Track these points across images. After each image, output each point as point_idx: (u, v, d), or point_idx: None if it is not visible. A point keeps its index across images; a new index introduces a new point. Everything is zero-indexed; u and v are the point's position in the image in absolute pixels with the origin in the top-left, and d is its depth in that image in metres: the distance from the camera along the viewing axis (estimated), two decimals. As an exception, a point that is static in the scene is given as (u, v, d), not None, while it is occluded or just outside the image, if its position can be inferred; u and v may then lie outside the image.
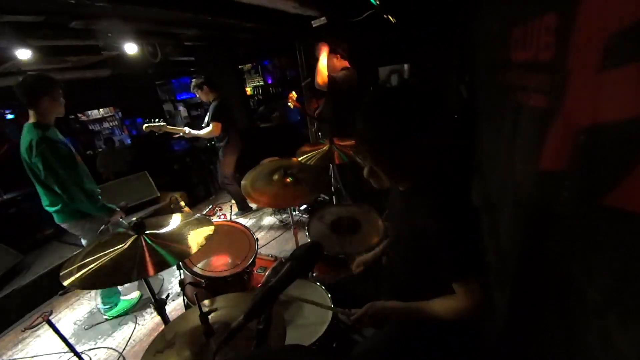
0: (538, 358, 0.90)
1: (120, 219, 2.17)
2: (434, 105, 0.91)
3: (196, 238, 1.25)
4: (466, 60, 2.98)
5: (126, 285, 2.71)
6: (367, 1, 2.47)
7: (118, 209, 2.15)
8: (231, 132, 3.47)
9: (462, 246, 0.89)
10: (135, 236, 1.22)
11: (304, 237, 1.90)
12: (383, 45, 3.73)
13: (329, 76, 2.55)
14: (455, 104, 3.01)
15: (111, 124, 6.78)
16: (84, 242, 2.20)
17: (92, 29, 2.64)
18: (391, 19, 2.85)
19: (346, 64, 2.67)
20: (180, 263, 1.73)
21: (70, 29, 2.20)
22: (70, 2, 1.69)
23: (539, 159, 0.91)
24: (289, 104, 2.94)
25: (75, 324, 2.45)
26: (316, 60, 2.65)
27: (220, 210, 4.02)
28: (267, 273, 2.12)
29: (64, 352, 2.11)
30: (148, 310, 2.44)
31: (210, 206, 4.06)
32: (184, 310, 1.93)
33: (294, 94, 2.94)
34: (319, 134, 2.93)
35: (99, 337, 2.27)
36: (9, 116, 4.96)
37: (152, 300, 1.43)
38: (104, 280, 1.07)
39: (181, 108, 7.04)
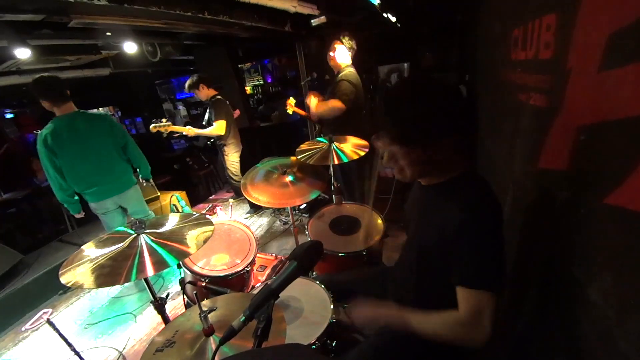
0: (538, 358, 0.90)
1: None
2: (469, 102, 0.90)
3: (196, 237, 1.25)
4: (466, 60, 2.98)
5: (126, 285, 2.72)
6: (367, 1, 2.46)
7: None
8: (231, 129, 3.46)
9: (482, 248, 0.81)
10: (135, 235, 1.22)
11: (304, 237, 1.90)
12: (383, 45, 3.73)
13: (313, 114, 2.75)
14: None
15: (111, 123, 6.77)
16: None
17: (91, 29, 2.64)
18: (391, 18, 2.85)
19: (346, 58, 2.66)
20: (180, 262, 1.73)
21: (69, 28, 2.20)
22: (70, 2, 1.68)
23: (539, 159, 0.91)
24: (288, 110, 2.93)
25: (75, 323, 2.45)
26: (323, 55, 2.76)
27: (220, 209, 4.02)
28: (267, 272, 2.13)
29: (64, 352, 2.11)
30: (148, 309, 2.44)
31: (210, 205, 4.06)
32: (184, 310, 1.93)
33: (292, 100, 2.93)
34: (321, 134, 2.93)
35: (99, 336, 2.27)
36: (9, 115, 4.95)
37: (152, 300, 1.43)
38: (104, 279, 1.06)
39: (181, 107, 7.03)
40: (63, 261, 1.17)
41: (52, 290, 2.81)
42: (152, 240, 1.21)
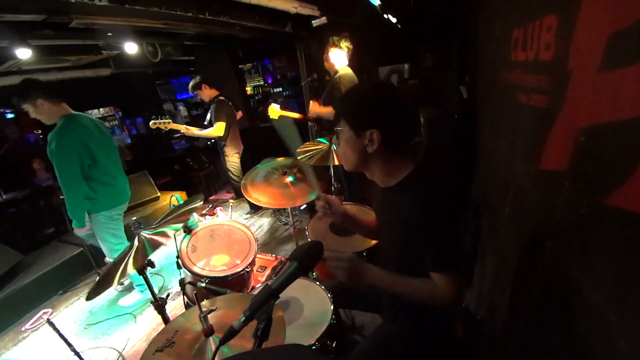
0: (538, 358, 0.90)
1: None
2: (403, 104, 0.98)
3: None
4: (466, 60, 2.98)
5: (125, 283, 2.72)
6: (368, 1, 2.46)
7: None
8: (232, 130, 3.46)
9: (442, 237, 0.92)
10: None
11: (304, 237, 1.90)
12: (383, 45, 3.73)
13: (311, 113, 2.80)
14: (455, 104, 3.02)
15: (111, 123, 6.78)
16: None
17: (92, 29, 2.64)
18: (392, 19, 2.85)
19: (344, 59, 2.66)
20: (180, 262, 1.73)
21: (70, 28, 2.20)
22: (71, 2, 1.69)
23: (539, 159, 0.91)
24: (270, 115, 2.87)
25: (75, 323, 2.45)
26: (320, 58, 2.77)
27: (220, 210, 4.02)
28: (267, 273, 2.13)
29: (64, 352, 2.11)
30: (148, 309, 2.44)
31: (211, 206, 4.06)
32: (184, 310, 1.93)
33: (272, 106, 2.87)
34: (322, 132, 2.93)
35: (99, 336, 2.27)
36: (9, 115, 4.95)
37: (152, 300, 1.43)
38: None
39: (181, 107, 7.04)
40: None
41: (52, 290, 2.81)
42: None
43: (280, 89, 5.86)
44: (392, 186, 1.03)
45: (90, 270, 2.96)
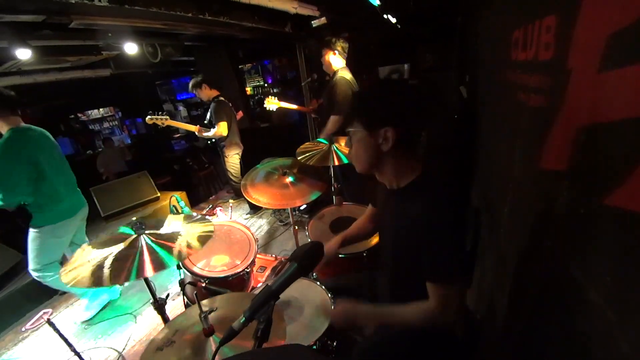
0: (538, 358, 0.90)
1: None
2: (419, 102, 0.98)
3: (195, 238, 1.25)
4: (466, 60, 2.98)
5: (126, 284, 2.71)
6: (368, 1, 2.46)
7: None
8: (232, 130, 3.47)
9: (446, 247, 0.90)
10: (135, 236, 1.22)
11: (304, 237, 1.90)
12: (383, 46, 3.73)
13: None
14: (455, 104, 3.02)
15: (111, 123, 6.78)
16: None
17: (92, 29, 2.64)
18: (391, 19, 2.85)
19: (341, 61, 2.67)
20: (180, 263, 1.73)
21: (70, 29, 2.21)
22: (70, 3, 1.69)
23: (539, 159, 0.91)
24: (266, 105, 2.96)
25: (75, 323, 2.45)
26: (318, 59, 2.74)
27: (220, 210, 4.02)
28: (267, 273, 2.13)
29: (64, 352, 2.11)
30: (148, 310, 2.44)
31: (211, 206, 4.06)
32: (183, 310, 1.93)
33: (270, 98, 2.96)
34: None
35: (99, 336, 2.27)
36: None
37: (152, 300, 1.43)
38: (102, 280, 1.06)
39: (181, 108, 7.05)
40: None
41: (52, 290, 2.81)
42: (152, 241, 1.22)
43: (281, 89, 5.87)
44: (401, 189, 1.03)
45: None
